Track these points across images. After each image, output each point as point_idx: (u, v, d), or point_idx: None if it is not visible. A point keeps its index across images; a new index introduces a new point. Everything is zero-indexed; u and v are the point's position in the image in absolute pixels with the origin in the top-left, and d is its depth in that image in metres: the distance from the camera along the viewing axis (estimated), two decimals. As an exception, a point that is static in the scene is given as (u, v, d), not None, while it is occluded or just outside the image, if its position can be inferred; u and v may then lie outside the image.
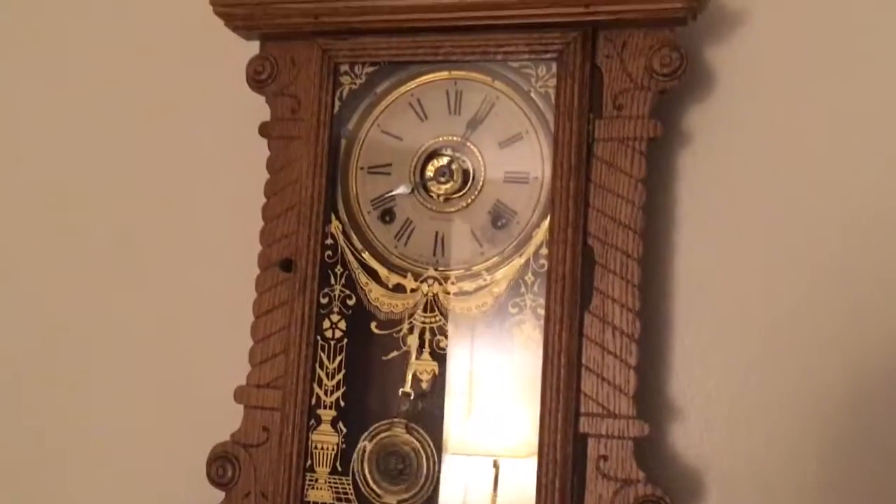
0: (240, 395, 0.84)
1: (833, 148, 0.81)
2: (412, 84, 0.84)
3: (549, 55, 0.79)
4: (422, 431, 0.79)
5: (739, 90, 0.84)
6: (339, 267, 0.83)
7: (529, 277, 0.78)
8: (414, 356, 0.80)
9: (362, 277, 0.83)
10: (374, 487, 0.80)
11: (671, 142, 0.84)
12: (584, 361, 0.76)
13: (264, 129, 0.87)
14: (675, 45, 0.76)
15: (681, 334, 0.83)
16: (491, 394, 0.78)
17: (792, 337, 0.80)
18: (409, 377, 0.80)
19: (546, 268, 0.77)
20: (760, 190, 0.83)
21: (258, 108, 0.88)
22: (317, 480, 0.81)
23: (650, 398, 0.80)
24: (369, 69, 0.85)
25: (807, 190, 0.82)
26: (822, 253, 0.80)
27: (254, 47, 0.89)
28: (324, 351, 0.82)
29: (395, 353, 0.81)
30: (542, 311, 0.77)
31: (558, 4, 0.76)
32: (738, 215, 0.83)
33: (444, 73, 0.83)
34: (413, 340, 0.80)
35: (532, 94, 0.80)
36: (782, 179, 0.82)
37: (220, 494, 0.83)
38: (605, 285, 0.76)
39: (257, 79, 0.88)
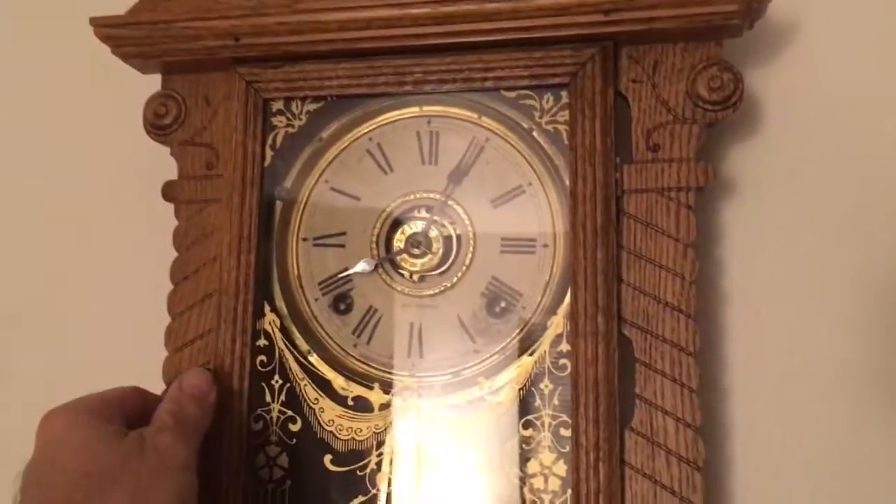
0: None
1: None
2: (370, 125, 0.62)
3: (557, 80, 0.58)
4: None
5: (794, 125, 0.65)
6: (276, 378, 0.60)
7: (546, 385, 0.56)
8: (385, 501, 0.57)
9: (310, 391, 0.60)
10: None
11: (709, 193, 0.64)
12: (627, 503, 0.54)
13: (170, 191, 0.65)
14: (726, 64, 0.57)
15: (740, 455, 0.61)
16: (498, 553, 0.56)
17: (874, 442, 0.60)
18: (382, 532, 0.57)
19: (569, 371, 0.55)
20: (827, 248, 0.63)
21: (161, 163, 0.65)
22: None
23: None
24: (311, 106, 0.63)
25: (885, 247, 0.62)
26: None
27: (154, 82, 0.66)
28: (259, 498, 0.58)
29: (360, 500, 0.57)
30: (565, 433, 0.55)
31: (569, 12, 0.56)
32: (801, 282, 0.63)
33: (415, 110, 0.62)
34: (385, 479, 0.57)
35: (535, 134, 0.59)
36: (856, 229, 0.63)
37: None
38: (652, 392, 0.55)
39: (158, 124, 0.65)
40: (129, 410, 0.53)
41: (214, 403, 0.57)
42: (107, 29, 0.63)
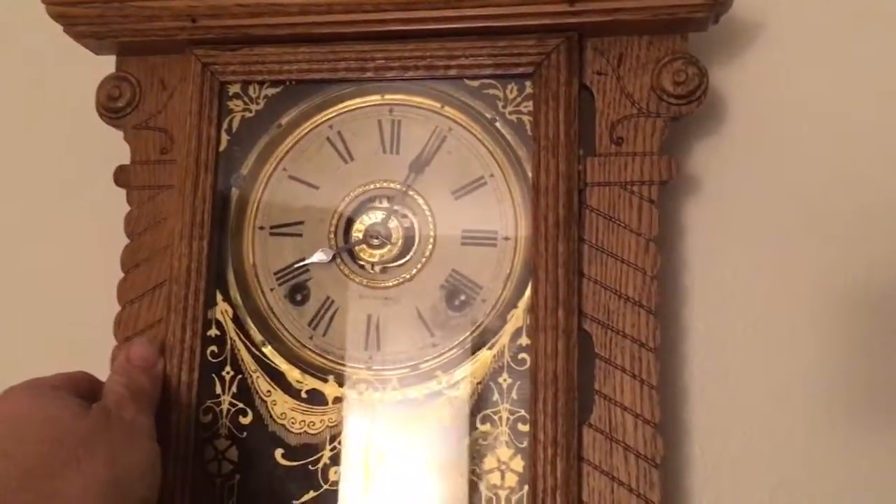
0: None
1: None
2: (331, 112, 0.61)
3: (521, 70, 0.57)
4: None
5: (758, 121, 0.64)
6: (227, 369, 0.58)
7: (504, 379, 0.55)
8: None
9: (262, 383, 0.58)
10: None
11: (673, 188, 0.63)
12: (584, 500, 0.53)
13: (122, 176, 0.63)
14: (691, 58, 0.56)
15: (698, 453, 0.61)
16: (452, 550, 0.54)
17: (832, 441, 0.60)
18: (334, 529, 0.55)
19: (528, 366, 0.54)
20: (789, 245, 0.63)
21: (114, 147, 0.63)
22: None
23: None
24: (270, 91, 0.61)
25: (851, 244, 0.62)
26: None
27: (108, 64, 0.64)
28: (207, 493, 0.57)
29: (312, 494, 0.56)
30: (523, 429, 0.54)
31: (534, 1, 0.56)
32: (763, 280, 0.63)
33: (376, 98, 0.60)
34: (338, 474, 0.56)
35: (498, 124, 0.58)
36: (819, 227, 0.62)
37: None
38: (611, 387, 0.54)
39: (112, 106, 0.63)
40: (81, 392, 0.52)
41: (163, 373, 0.57)
42: (59, 7, 0.61)
